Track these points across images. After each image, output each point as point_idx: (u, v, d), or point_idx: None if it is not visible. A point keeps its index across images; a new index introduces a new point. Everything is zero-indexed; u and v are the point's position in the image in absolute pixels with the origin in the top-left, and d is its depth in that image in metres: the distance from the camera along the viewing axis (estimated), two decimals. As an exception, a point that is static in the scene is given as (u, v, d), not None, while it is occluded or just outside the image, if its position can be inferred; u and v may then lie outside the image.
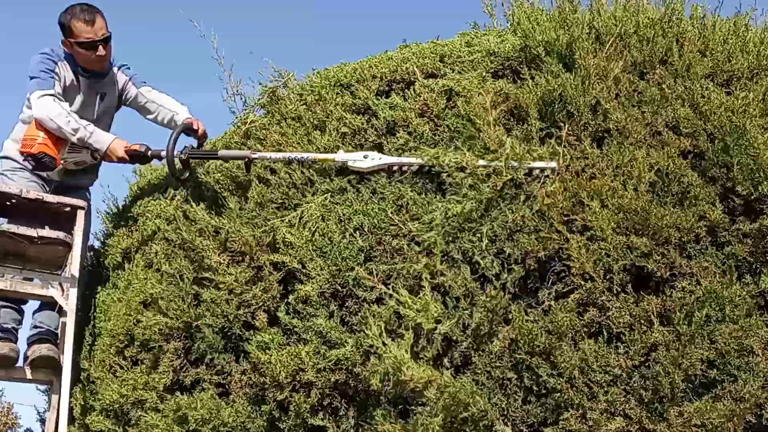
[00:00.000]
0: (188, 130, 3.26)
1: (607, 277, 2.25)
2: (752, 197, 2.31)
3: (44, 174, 3.36)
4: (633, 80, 2.53)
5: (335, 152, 2.66)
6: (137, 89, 3.58)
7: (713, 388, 2.13)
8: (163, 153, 3.09)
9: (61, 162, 3.27)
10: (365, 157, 2.59)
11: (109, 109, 3.56)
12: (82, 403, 3.21)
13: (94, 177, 3.64)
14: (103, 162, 3.48)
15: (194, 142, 3.29)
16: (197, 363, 2.78)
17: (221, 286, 2.66)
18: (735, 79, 2.54)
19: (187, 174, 3.07)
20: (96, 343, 3.20)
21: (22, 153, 3.23)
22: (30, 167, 3.30)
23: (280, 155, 2.74)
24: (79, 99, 3.38)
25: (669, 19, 2.63)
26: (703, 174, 2.38)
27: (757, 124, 2.37)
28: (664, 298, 2.23)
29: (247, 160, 2.83)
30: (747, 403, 2.07)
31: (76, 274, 3.02)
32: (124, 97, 3.61)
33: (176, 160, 2.99)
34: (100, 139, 3.24)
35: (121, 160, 3.26)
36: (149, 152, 3.23)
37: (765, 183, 2.27)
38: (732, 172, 2.33)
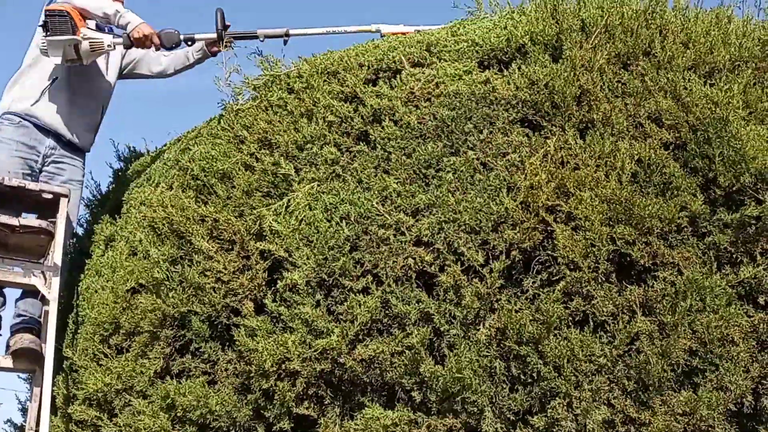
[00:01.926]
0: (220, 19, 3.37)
1: (593, 266, 2.27)
2: (733, 188, 2.33)
3: (59, 46, 3.20)
4: (617, 71, 2.54)
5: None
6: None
7: (696, 377, 2.17)
8: (198, 36, 3.38)
9: (80, 35, 3.21)
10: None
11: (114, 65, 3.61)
12: (65, 392, 3.18)
13: (92, 138, 3.60)
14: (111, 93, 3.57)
15: None
16: (183, 352, 2.78)
17: (208, 273, 2.65)
18: (717, 71, 2.55)
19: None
20: (79, 331, 3.18)
21: (47, 10, 3.20)
22: (46, 34, 3.19)
23: (320, 30, 3.18)
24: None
25: (653, 10, 2.64)
26: (684, 165, 2.39)
27: (739, 116, 2.39)
28: (646, 288, 2.26)
29: (285, 36, 3.23)
30: (729, 391, 2.11)
31: (59, 263, 2.99)
32: (126, 57, 3.66)
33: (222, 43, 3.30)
34: (132, 18, 3.31)
35: (147, 39, 3.29)
36: (181, 35, 3.34)
37: (746, 174, 2.30)
38: (714, 164, 2.34)
